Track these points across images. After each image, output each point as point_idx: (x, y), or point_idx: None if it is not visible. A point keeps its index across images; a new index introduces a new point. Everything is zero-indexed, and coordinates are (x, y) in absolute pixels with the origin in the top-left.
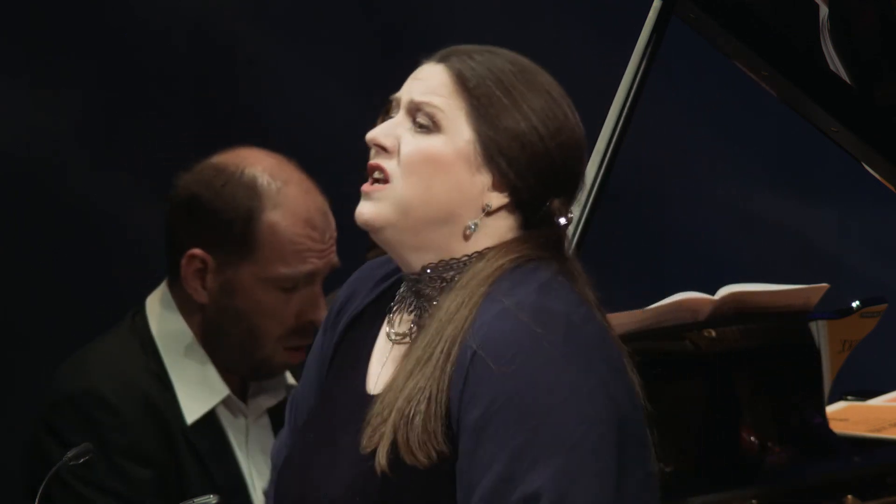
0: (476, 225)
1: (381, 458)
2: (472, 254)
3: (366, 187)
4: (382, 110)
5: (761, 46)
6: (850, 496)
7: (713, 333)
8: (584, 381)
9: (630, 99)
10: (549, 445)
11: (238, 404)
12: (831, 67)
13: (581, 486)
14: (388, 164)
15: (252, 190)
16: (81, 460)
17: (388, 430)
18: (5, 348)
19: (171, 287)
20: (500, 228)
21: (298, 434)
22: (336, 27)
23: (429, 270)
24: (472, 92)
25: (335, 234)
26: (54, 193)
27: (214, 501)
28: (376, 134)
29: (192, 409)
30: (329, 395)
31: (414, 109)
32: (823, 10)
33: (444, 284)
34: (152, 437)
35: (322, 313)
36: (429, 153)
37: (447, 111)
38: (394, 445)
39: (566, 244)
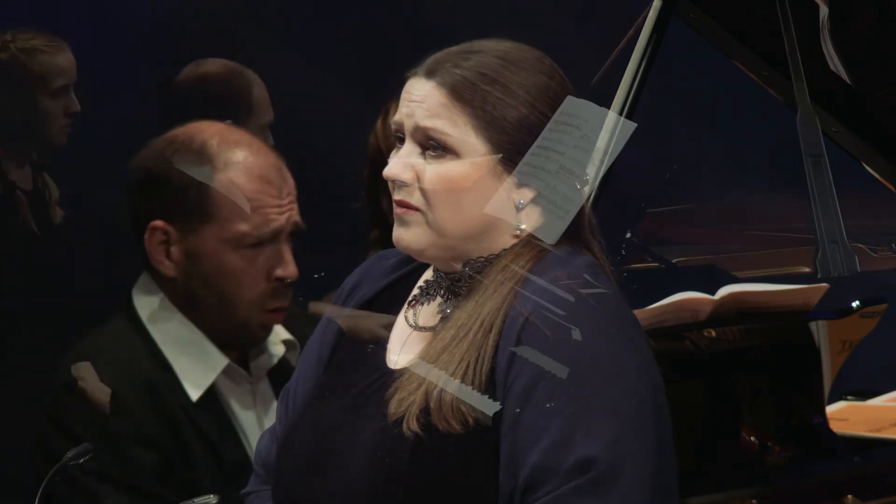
0: (523, 227)
1: (412, 424)
2: (511, 247)
3: (398, 211)
4: (391, 135)
5: (761, 46)
6: (850, 496)
7: (713, 333)
8: (635, 358)
9: (630, 99)
10: (603, 415)
11: (240, 371)
12: (831, 67)
13: (632, 458)
14: (414, 198)
15: (203, 154)
16: (82, 460)
17: (418, 397)
18: (5, 348)
19: (148, 270)
20: (533, 215)
21: (308, 405)
22: (336, 27)
23: (468, 268)
24: (471, 103)
25: (294, 191)
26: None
27: (214, 501)
28: (394, 171)
29: (195, 385)
30: (342, 370)
31: (421, 136)
32: (823, 10)
33: (479, 276)
34: (155, 421)
35: (291, 269)
36: (451, 180)
37: (454, 132)
38: (425, 412)
39: (587, 227)
